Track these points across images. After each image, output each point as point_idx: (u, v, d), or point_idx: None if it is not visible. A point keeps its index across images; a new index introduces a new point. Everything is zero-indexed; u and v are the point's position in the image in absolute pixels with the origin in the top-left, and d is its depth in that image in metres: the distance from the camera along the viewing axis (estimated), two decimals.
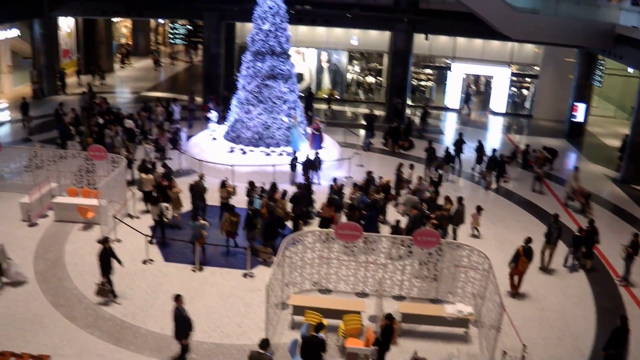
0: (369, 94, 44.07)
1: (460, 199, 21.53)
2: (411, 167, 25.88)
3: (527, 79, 42.54)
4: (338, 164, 28.08)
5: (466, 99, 41.80)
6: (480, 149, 28.91)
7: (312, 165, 25.61)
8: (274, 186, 21.76)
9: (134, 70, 51.00)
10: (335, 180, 23.35)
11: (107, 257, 16.80)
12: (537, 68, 41.26)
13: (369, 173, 23.90)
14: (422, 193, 22.81)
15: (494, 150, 27.86)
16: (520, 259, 18.22)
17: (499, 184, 27.65)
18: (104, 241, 16.99)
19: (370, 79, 44.07)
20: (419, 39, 37.93)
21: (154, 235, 20.36)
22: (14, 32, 37.95)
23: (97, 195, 20.86)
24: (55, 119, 30.48)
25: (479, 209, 22.20)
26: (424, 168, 27.66)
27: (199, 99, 37.15)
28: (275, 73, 27.37)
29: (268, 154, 26.97)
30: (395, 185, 24.65)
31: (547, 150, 30.35)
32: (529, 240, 18.51)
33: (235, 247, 20.13)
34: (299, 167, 25.65)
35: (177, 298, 14.27)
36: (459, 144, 29.27)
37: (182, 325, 14.29)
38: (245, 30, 39.75)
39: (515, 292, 18.68)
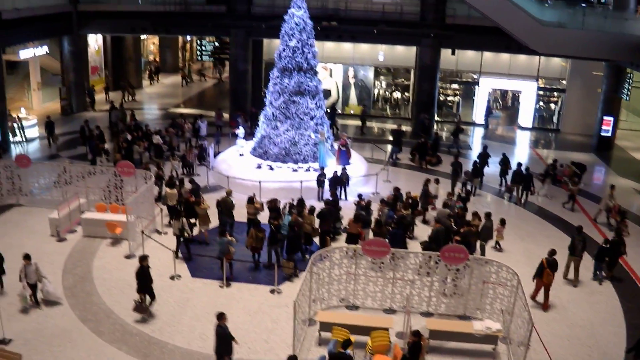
0: (396, 109, 43.97)
1: (488, 215, 21.35)
2: (437, 181, 25.75)
3: (555, 93, 42.09)
4: (365, 180, 28.00)
5: (487, 114, 41.49)
6: (505, 162, 28.67)
7: (340, 181, 25.59)
8: (301, 202, 21.78)
9: (162, 87, 51.47)
10: (360, 196, 23.32)
11: (143, 275, 16.96)
12: (564, 82, 40.86)
13: (397, 189, 23.80)
14: (451, 209, 22.65)
15: (519, 164, 27.55)
16: (545, 271, 18.07)
17: (527, 198, 27.36)
18: (142, 259, 17.14)
19: (397, 95, 43.98)
20: (445, 54, 37.83)
21: (177, 250, 20.47)
22: (44, 50, 38.55)
23: (125, 211, 21.06)
24: (80, 136, 30.87)
25: (503, 222, 22.03)
26: (451, 183, 27.49)
27: (226, 115, 37.37)
28: (302, 89, 27.42)
29: (295, 170, 27.01)
30: (422, 201, 24.52)
31: (575, 165, 29.98)
32: (552, 252, 18.36)
33: (258, 263, 20.18)
34: (326, 183, 25.66)
35: (221, 316, 14.42)
36: (483, 157, 29.09)
37: (225, 342, 14.43)
38: (272, 46, 39.92)
39: (534, 297, 18.67)
